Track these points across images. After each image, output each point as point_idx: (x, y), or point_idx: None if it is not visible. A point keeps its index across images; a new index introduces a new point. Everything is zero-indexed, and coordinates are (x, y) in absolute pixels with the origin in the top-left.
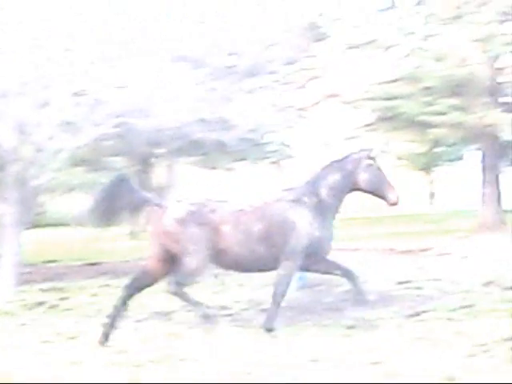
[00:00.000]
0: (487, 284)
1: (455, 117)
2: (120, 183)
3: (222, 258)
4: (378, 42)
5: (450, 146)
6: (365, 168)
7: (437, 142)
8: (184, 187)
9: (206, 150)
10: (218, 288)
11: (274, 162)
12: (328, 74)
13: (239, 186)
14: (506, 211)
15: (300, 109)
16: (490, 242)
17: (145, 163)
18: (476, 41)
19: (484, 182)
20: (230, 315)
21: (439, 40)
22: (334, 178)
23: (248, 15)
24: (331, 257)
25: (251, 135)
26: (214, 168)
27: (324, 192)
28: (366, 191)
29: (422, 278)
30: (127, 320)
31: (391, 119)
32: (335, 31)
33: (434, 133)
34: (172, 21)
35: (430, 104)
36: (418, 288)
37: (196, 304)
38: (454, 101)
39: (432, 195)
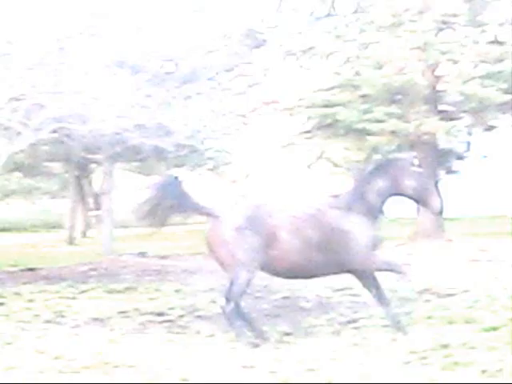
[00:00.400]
0: (424, 291)
1: (393, 124)
2: (171, 186)
3: (276, 265)
4: (316, 49)
5: (388, 153)
6: (410, 174)
7: (374, 150)
8: (122, 193)
9: (143, 156)
10: (154, 294)
11: (212, 169)
12: (267, 81)
13: None
14: (443, 219)
15: (239, 115)
16: (428, 250)
17: (83, 169)
18: (414, 49)
19: None
20: (166, 321)
21: (377, 48)
22: (380, 183)
23: (187, 21)
24: None
25: (190, 141)
26: (151, 174)
27: (371, 197)
28: (409, 197)
29: (359, 285)
30: (64, 325)
31: (329, 126)
32: (274, 38)
33: (372, 140)
34: (111, 26)
35: (367, 111)
36: (355, 295)
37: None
38: (392, 108)
39: None
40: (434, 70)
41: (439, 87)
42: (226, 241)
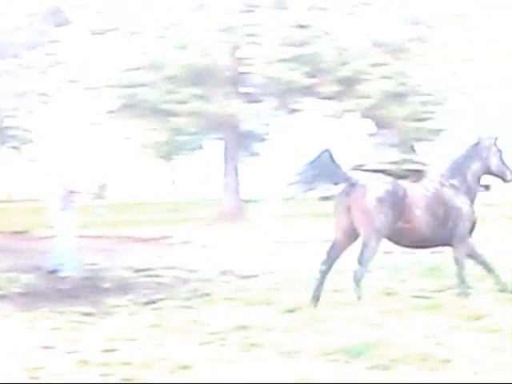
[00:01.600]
0: (224, 273)
1: (196, 106)
2: (328, 157)
3: (405, 236)
4: (122, 29)
5: (191, 134)
6: (494, 154)
7: (178, 131)
8: None
9: None
10: None
11: (14, 147)
12: (71, 60)
13: None
14: (245, 201)
15: (42, 94)
16: (230, 232)
17: None
18: (218, 30)
19: (225, 171)
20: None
21: (182, 28)
22: (476, 165)
23: None
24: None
25: None
26: None
27: (470, 178)
28: (492, 174)
29: (161, 266)
30: None
31: (133, 107)
32: (79, 16)
33: (175, 121)
34: None
35: (171, 92)
36: (156, 276)
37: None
38: (196, 90)
39: (173, 184)
40: (235, 52)
41: (244, 69)
42: (367, 208)
